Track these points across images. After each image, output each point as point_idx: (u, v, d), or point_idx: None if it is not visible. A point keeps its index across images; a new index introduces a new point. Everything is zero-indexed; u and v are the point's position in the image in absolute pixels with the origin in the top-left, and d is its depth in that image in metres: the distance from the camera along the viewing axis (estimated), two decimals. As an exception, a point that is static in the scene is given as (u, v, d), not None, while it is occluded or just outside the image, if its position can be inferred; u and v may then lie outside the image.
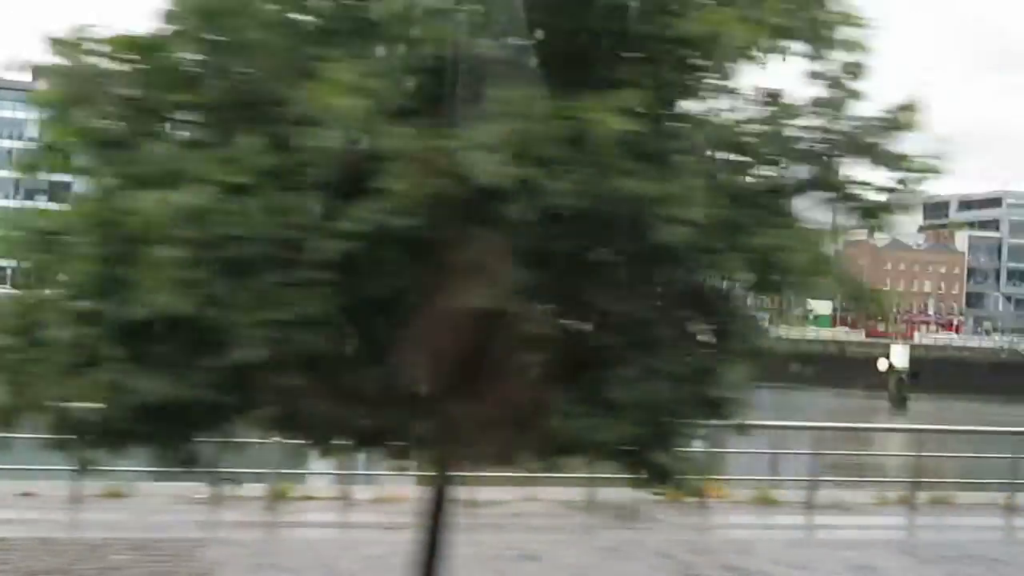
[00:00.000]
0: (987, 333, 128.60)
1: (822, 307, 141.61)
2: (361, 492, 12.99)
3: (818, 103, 5.50)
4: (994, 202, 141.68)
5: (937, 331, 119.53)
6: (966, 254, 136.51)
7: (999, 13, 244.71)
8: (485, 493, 11.59)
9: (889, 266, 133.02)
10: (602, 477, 11.33)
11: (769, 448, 15.65)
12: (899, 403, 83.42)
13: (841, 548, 12.40)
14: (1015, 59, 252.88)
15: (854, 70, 5.43)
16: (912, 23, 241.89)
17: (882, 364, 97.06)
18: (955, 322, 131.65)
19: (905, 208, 5.79)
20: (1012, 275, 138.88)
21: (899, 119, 5.50)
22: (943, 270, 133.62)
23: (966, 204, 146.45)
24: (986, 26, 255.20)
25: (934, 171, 5.60)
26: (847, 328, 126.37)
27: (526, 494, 12.77)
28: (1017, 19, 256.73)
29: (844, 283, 5.91)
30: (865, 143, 5.55)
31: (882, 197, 5.77)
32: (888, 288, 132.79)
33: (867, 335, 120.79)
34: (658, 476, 5.66)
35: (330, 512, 12.58)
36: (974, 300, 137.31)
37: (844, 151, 5.60)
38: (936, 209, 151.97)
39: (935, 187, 6.02)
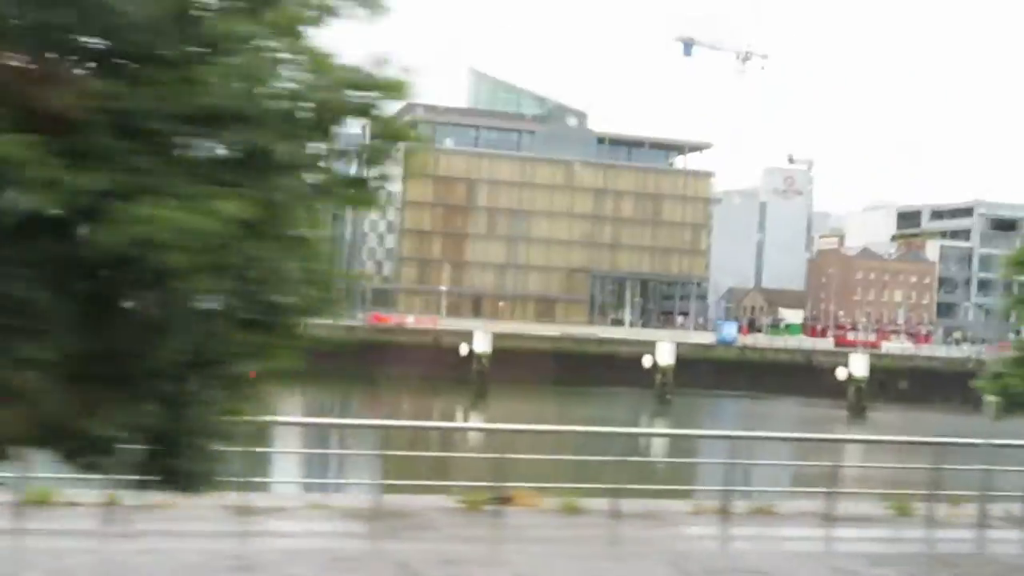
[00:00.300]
0: (957, 343, 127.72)
1: (794, 316, 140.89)
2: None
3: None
4: (966, 212, 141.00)
5: (904, 341, 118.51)
6: (937, 264, 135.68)
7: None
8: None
9: (860, 275, 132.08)
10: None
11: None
12: (857, 412, 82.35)
13: (596, 559, 11.64)
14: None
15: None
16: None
17: (841, 373, 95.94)
18: (925, 332, 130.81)
19: (379, 157, 5.61)
20: (983, 285, 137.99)
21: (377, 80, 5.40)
22: (914, 279, 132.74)
23: (938, 214, 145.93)
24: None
25: (399, 88, 5.42)
26: (815, 337, 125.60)
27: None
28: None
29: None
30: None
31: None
32: (858, 297, 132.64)
33: (836, 344, 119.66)
34: (172, 477, 5.55)
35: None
36: (945, 310, 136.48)
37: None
38: (908, 218, 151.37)
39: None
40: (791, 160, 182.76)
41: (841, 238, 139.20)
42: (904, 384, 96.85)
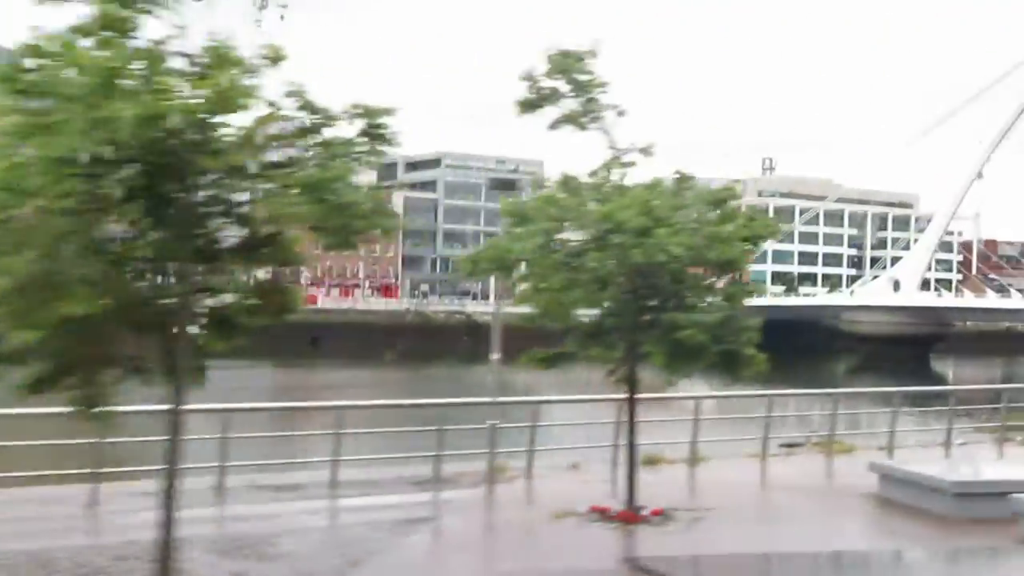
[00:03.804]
0: (424, 296, 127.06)
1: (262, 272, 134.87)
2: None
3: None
4: (434, 163, 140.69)
5: (340, 295, 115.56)
6: (402, 215, 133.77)
7: None
8: None
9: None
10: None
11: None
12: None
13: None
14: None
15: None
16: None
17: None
18: (392, 285, 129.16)
19: None
20: (448, 237, 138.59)
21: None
22: (378, 232, 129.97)
23: (412, 165, 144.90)
24: None
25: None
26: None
27: None
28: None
29: None
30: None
31: None
32: (319, 251, 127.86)
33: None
34: None
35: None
36: (410, 262, 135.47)
37: None
38: (387, 170, 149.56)
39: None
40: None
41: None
42: (341, 340, 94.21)
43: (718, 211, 13.21)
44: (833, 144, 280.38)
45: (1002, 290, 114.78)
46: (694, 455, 16.93)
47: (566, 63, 12.74)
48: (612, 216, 12.15)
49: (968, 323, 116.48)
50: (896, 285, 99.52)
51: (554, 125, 13.08)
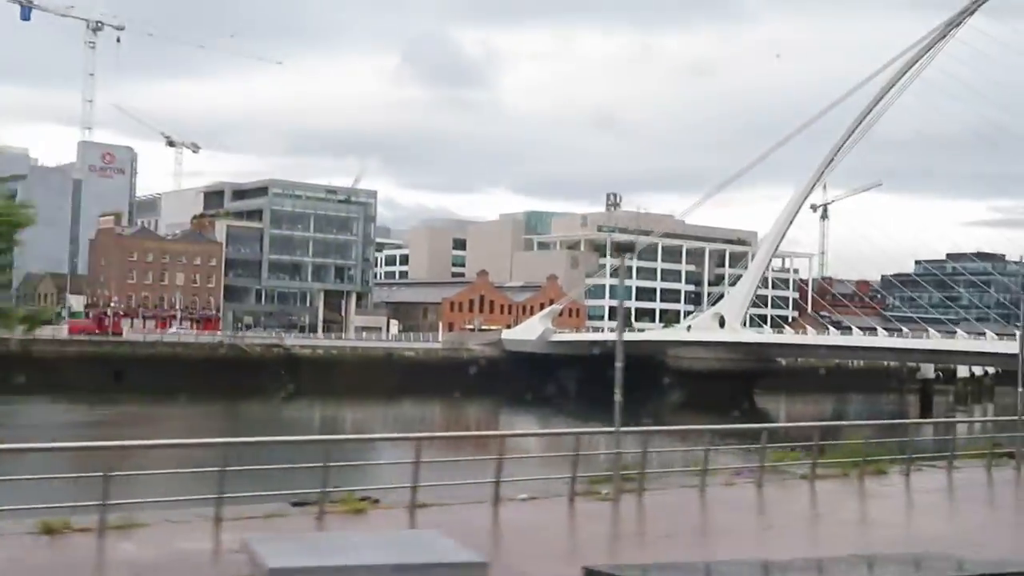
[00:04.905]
0: (247, 328, 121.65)
1: (79, 303, 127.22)
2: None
3: None
4: (262, 191, 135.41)
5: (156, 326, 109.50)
6: (224, 245, 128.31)
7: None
8: None
9: (135, 256, 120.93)
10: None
11: None
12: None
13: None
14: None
15: None
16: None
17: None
18: (213, 317, 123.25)
19: None
20: (274, 267, 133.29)
21: None
22: (198, 261, 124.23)
23: (240, 194, 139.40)
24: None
25: None
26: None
27: None
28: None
29: None
30: None
31: None
32: (134, 280, 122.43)
33: (113, 332, 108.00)
34: None
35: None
36: (234, 293, 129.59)
37: None
38: (214, 198, 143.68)
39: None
40: (171, 142, 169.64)
41: (118, 216, 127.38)
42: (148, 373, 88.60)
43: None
44: (684, 182, 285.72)
45: (836, 326, 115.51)
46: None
47: None
48: None
49: (799, 360, 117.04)
50: (721, 321, 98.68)
51: None
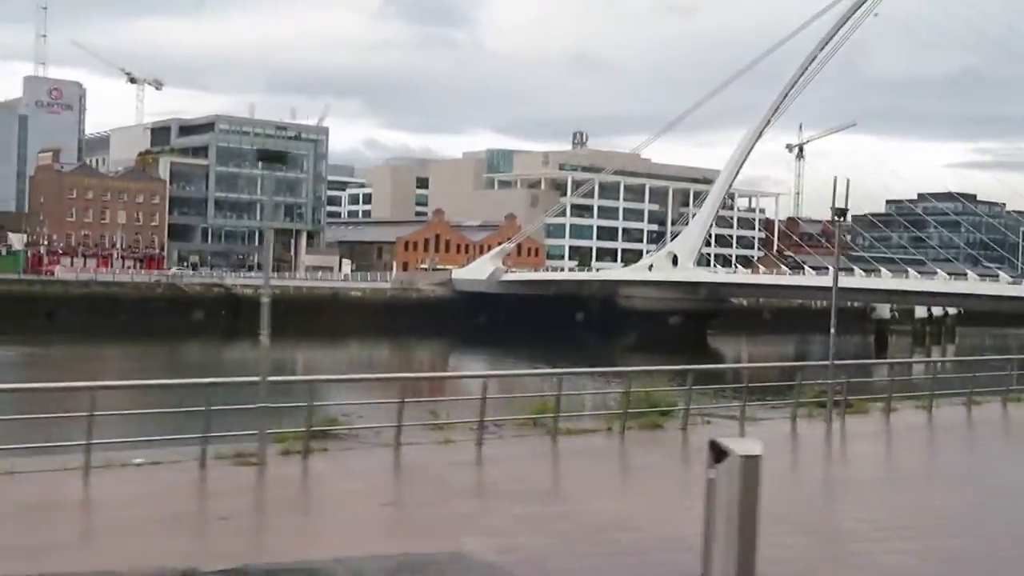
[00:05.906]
0: (193, 267, 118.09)
1: (19, 241, 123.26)
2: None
3: None
4: (209, 127, 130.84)
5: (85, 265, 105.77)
6: (168, 182, 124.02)
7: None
8: None
9: (75, 194, 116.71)
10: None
11: None
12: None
13: None
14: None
15: None
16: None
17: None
18: (157, 256, 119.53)
19: None
20: (220, 205, 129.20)
21: None
22: (141, 199, 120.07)
23: (186, 129, 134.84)
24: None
25: None
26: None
27: None
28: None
29: None
30: None
31: None
32: (74, 219, 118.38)
33: (46, 273, 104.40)
34: None
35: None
36: (178, 232, 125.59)
37: None
38: (160, 134, 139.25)
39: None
40: (132, 79, 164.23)
41: (56, 152, 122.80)
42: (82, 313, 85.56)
43: None
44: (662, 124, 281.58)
45: (796, 267, 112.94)
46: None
47: None
48: None
49: (761, 301, 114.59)
50: (675, 260, 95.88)
51: None
